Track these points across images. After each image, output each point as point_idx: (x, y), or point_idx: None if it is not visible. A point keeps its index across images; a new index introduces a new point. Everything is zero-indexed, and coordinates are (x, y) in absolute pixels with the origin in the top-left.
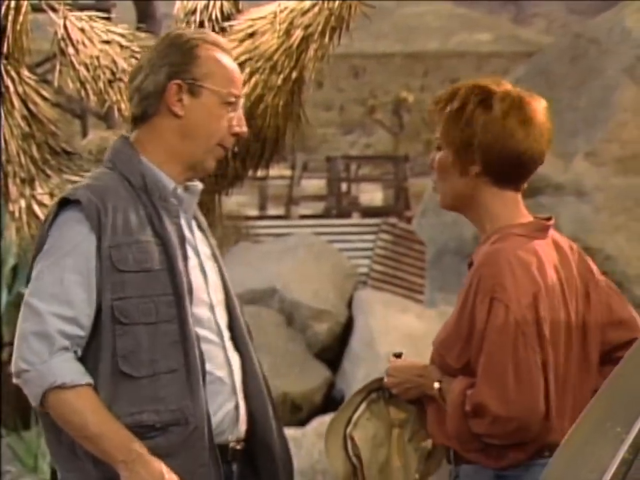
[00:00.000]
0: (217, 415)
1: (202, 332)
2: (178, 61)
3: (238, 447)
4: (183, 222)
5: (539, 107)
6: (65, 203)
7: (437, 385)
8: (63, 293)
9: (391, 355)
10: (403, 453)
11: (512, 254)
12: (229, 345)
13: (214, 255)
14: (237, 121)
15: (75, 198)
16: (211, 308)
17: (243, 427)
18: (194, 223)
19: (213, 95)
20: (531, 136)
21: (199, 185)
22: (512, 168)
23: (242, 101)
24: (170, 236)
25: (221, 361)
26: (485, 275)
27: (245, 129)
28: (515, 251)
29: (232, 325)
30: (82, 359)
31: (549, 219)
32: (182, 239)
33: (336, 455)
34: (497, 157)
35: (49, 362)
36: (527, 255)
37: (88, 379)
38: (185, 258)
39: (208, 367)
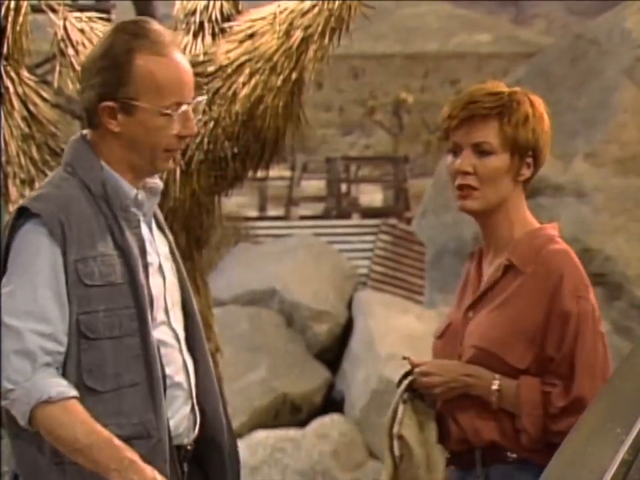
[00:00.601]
0: (175, 419)
1: (160, 336)
2: (110, 80)
3: (189, 448)
4: (143, 227)
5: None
6: (24, 213)
7: (496, 384)
8: (38, 310)
9: (402, 358)
10: (432, 453)
11: (574, 255)
12: (184, 347)
13: (172, 253)
14: (183, 124)
15: (35, 211)
16: (166, 311)
17: (197, 428)
18: (153, 222)
19: (149, 112)
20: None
21: (159, 184)
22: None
23: (192, 101)
24: (131, 248)
25: (178, 365)
26: (568, 275)
27: (191, 130)
28: (573, 254)
29: (188, 324)
30: None
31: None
32: (142, 249)
33: (384, 456)
34: (543, 161)
35: (33, 378)
36: (576, 258)
37: (74, 392)
38: (146, 268)
39: (168, 372)
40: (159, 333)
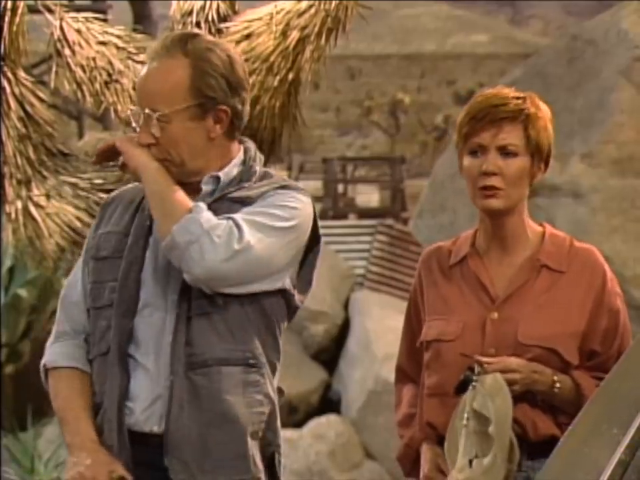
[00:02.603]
0: (136, 402)
1: (145, 319)
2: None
3: (158, 437)
4: None
5: None
6: None
7: (556, 379)
8: (68, 290)
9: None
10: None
11: None
12: (169, 337)
13: None
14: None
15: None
16: (165, 298)
17: (174, 419)
18: None
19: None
20: None
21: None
22: None
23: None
24: (136, 226)
25: (152, 349)
26: (608, 272)
27: (142, 140)
28: None
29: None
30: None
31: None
32: (146, 230)
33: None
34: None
35: (49, 347)
36: None
37: (67, 362)
38: (144, 249)
39: (136, 353)
40: (143, 314)
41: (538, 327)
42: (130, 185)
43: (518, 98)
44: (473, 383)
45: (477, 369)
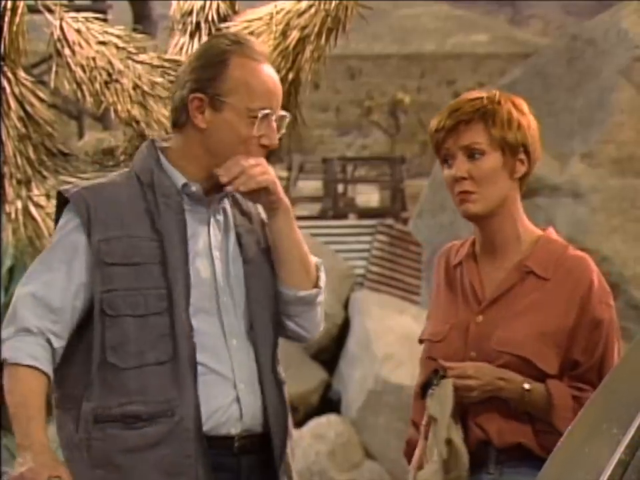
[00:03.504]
0: (211, 407)
1: (200, 323)
2: (204, 75)
3: (244, 440)
4: (192, 218)
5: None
6: (61, 198)
7: (527, 385)
8: (41, 292)
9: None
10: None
11: (592, 261)
12: (235, 340)
13: (257, 243)
14: (267, 134)
15: (67, 195)
16: (215, 300)
17: (250, 420)
18: (224, 221)
19: (236, 111)
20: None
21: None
22: (534, 168)
23: (278, 113)
24: (168, 231)
25: (220, 355)
26: (595, 281)
27: (274, 142)
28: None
29: (252, 321)
30: (75, 351)
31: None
32: (183, 235)
33: (431, 460)
34: (537, 157)
35: (9, 335)
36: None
37: (31, 361)
38: (186, 253)
39: (204, 359)
40: (198, 319)
41: (512, 334)
42: (85, 183)
43: (475, 99)
44: (432, 388)
45: (440, 372)
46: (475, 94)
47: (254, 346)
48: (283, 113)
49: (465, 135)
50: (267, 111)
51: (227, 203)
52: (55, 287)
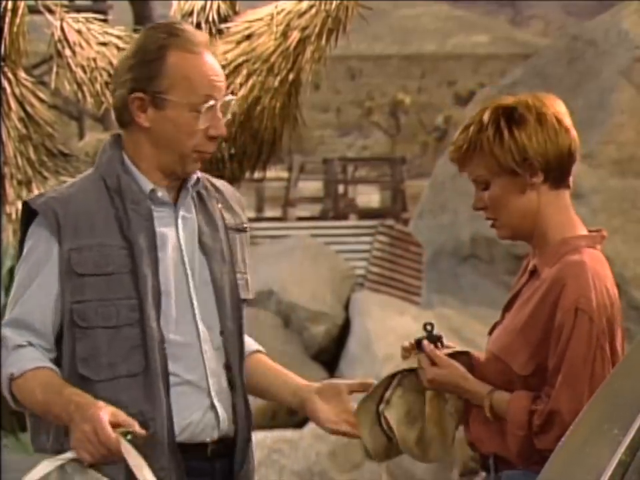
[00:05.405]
0: (185, 417)
1: (174, 335)
2: (142, 74)
3: (218, 445)
4: (162, 222)
5: (554, 102)
6: (27, 208)
7: (488, 399)
8: (20, 305)
9: (426, 328)
10: (439, 419)
11: (592, 268)
12: (207, 346)
13: (220, 252)
14: (213, 124)
15: (34, 207)
16: (190, 308)
17: (227, 426)
18: (191, 225)
19: (179, 107)
20: (567, 128)
21: (193, 177)
22: (567, 164)
23: (223, 100)
24: (137, 239)
25: (194, 363)
26: (570, 286)
27: (221, 130)
28: (594, 265)
29: (222, 325)
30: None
31: (598, 230)
32: (153, 243)
33: (368, 431)
34: (554, 158)
35: (6, 360)
36: (602, 269)
37: (33, 365)
38: (156, 261)
39: (177, 369)
40: (171, 329)
41: (499, 334)
42: (52, 192)
43: (465, 129)
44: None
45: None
46: (468, 121)
47: (225, 351)
48: (227, 98)
49: (468, 170)
50: (210, 103)
51: (192, 205)
52: (33, 308)
